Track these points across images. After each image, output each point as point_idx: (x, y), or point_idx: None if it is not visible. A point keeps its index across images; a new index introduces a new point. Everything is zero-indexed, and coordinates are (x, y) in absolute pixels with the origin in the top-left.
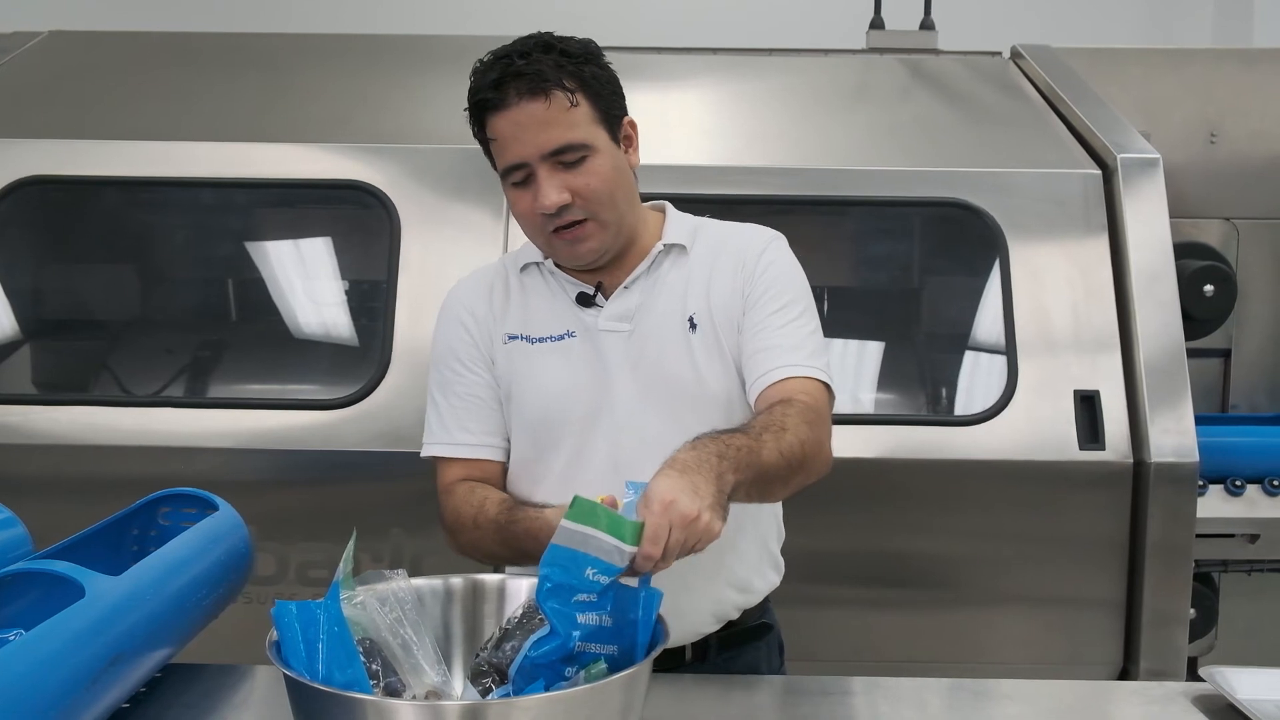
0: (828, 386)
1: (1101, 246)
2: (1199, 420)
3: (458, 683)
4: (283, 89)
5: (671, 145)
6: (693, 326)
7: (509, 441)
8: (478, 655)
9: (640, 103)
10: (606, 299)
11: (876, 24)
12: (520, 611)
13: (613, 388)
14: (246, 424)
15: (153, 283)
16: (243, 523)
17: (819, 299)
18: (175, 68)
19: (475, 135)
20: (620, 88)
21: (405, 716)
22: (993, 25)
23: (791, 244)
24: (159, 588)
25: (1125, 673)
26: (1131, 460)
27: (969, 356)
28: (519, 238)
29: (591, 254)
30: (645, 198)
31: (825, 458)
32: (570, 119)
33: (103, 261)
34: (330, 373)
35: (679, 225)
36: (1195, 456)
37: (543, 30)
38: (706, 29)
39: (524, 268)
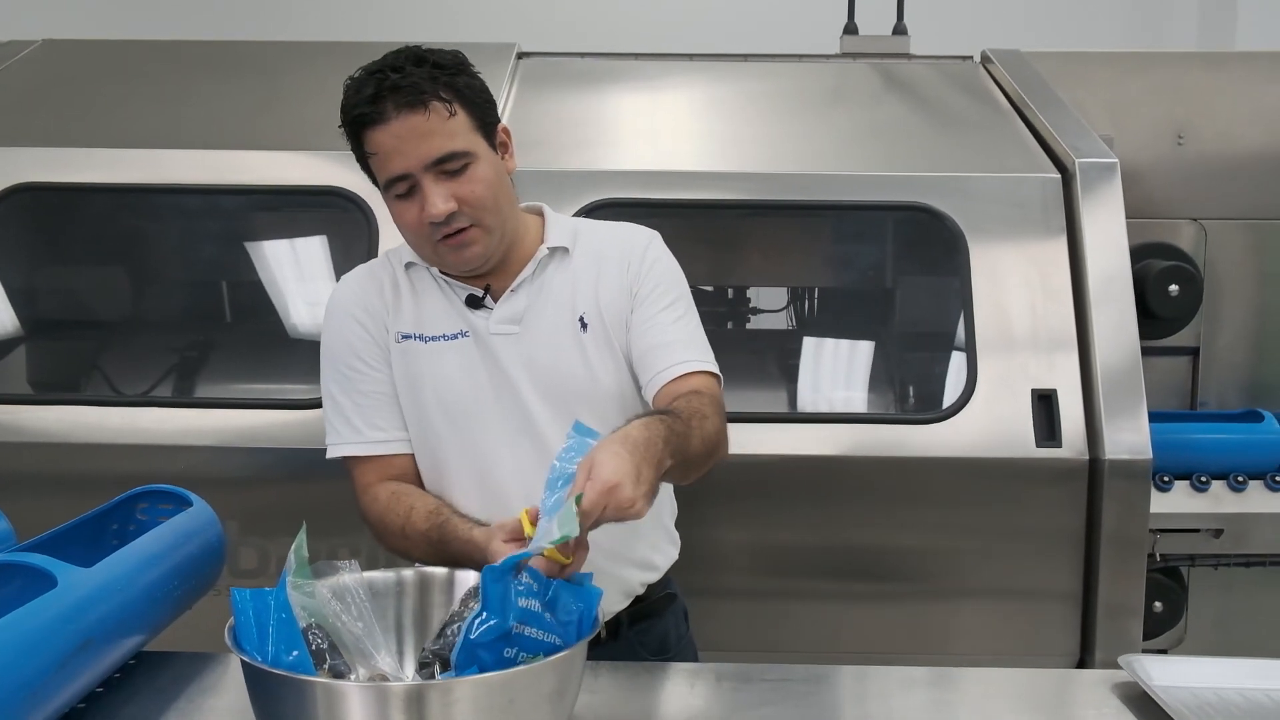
0: (718, 378)
1: (1060, 249)
2: (1167, 417)
3: (409, 670)
4: (267, 96)
5: (644, 150)
6: (584, 326)
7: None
8: (424, 647)
9: (618, 108)
10: (495, 301)
11: (850, 29)
12: (463, 601)
13: (508, 387)
14: (230, 423)
15: (141, 286)
16: (216, 518)
17: (790, 299)
18: (164, 76)
19: (354, 151)
20: (492, 96)
21: (344, 696)
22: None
23: (760, 246)
24: (130, 579)
25: (1082, 662)
26: (1087, 457)
27: (930, 356)
28: None
29: (477, 259)
30: (616, 203)
31: (726, 444)
32: (449, 129)
33: (93, 265)
34: (310, 372)
35: (560, 229)
36: (1149, 454)
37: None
38: (684, 35)
39: (408, 265)
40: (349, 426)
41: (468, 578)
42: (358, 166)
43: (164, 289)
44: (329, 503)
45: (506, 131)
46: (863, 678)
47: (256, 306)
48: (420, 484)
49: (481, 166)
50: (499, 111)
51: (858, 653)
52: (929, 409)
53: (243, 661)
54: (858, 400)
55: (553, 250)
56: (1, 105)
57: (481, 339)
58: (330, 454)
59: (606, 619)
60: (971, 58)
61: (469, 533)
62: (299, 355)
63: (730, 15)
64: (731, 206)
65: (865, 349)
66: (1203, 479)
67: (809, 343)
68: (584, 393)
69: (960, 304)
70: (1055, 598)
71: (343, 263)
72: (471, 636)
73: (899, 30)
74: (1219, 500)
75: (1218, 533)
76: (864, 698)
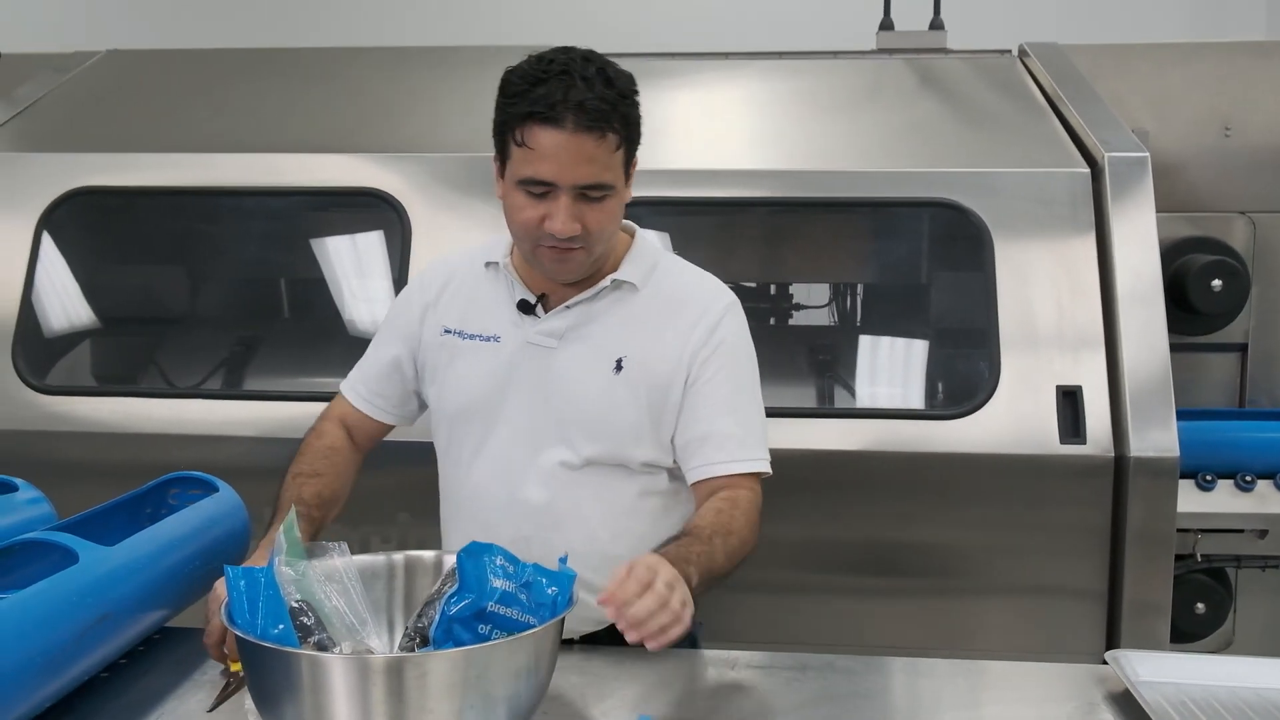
0: (761, 476)
1: (1089, 245)
2: (1212, 415)
3: (393, 647)
4: (309, 101)
5: (674, 149)
6: (619, 367)
7: (410, 411)
8: (406, 625)
9: (651, 107)
10: (546, 312)
11: (886, 25)
12: (443, 581)
13: (521, 397)
14: (268, 415)
15: (189, 283)
16: (241, 504)
17: (814, 295)
18: (214, 83)
19: (497, 122)
20: (642, 128)
21: (320, 666)
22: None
23: (784, 243)
24: (151, 558)
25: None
26: (1113, 454)
27: (954, 352)
28: None
29: (572, 274)
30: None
31: (754, 543)
32: (609, 160)
33: (145, 264)
34: (345, 366)
35: (638, 262)
36: (1176, 451)
37: (567, 45)
38: (720, 34)
39: (486, 264)
40: (359, 375)
41: (453, 561)
42: (394, 167)
43: (211, 286)
44: (363, 492)
45: (636, 164)
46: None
47: (294, 302)
48: (355, 442)
49: (615, 199)
50: None
51: (880, 648)
52: (952, 405)
53: (234, 634)
54: (881, 395)
55: (619, 283)
56: (66, 112)
57: (513, 346)
58: (340, 386)
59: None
60: (1009, 51)
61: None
62: (338, 349)
63: (766, 13)
64: (757, 204)
65: (889, 344)
66: (1247, 478)
67: (833, 338)
68: (589, 421)
69: (985, 300)
70: (1080, 595)
71: (379, 260)
72: (449, 613)
73: (935, 25)
74: (1264, 500)
75: (1262, 533)
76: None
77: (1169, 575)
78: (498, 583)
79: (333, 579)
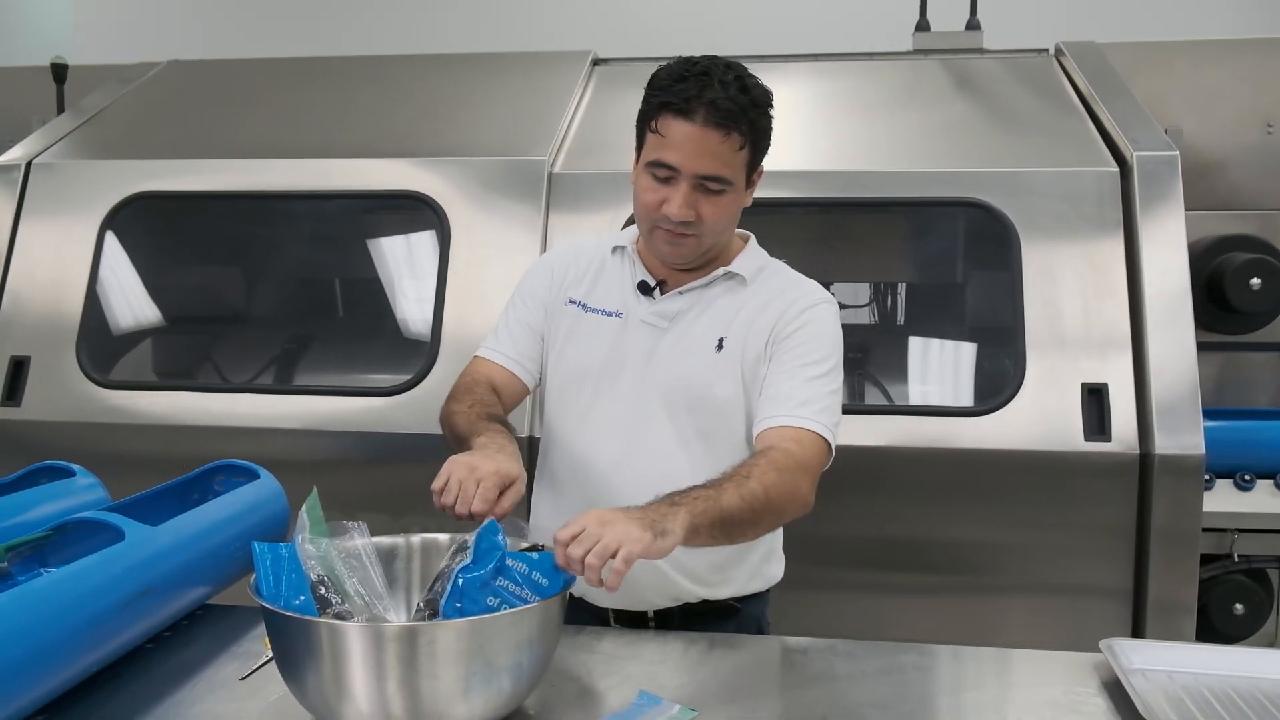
0: (826, 442)
1: (1117, 243)
2: (1252, 414)
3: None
4: (355, 107)
5: None
6: (720, 346)
7: (539, 369)
8: (419, 600)
9: None
10: (662, 295)
11: (922, 26)
12: (454, 554)
13: (629, 372)
14: (313, 409)
15: (238, 283)
16: (281, 491)
17: (844, 296)
18: (264, 91)
19: (640, 114)
20: (771, 138)
21: (339, 634)
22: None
23: (812, 243)
24: (193, 538)
25: None
26: (1138, 452)
27: (979, 350)
28: (556, 243)
29: (682, 259)
30: None
31: (801, 500)
32: (731, 157)
33: (198, 264)
34: (387, 362)
35: (750, 260)
36: (1201, 450)
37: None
38: (759, 36)
39: (615, 249)
40: (494, 337)
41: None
42: (435, 171)
43: (260, 285)
44: (407, 483)
45: (761, 173)
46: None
47: (339, 301)
48: (502, 402)
49: (732, 196)
50: (571, 115)
51: (901, 644)
52: (977, 402)
53: (260, 605)
54: (907, 392)
55: (729, 274)
56: (127, 121)
57: (631, 324)
58: (477, 352)
59: (656, 609)
60: (1046, 51)
61: (491, 438)
62: (379, 345)
63: (801, 15)
64: (785, 204)
65: (915, 341)
66: None
67: (860, 336)
68: (691, 395)
69: (1011, 298)
70: (1105, 593)
71: (419, 259)
72: (459, 584)
73: (972, 25)
74: None
75: None
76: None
77: (1194, 574)
78: (509, 562)
79: (352, 556)
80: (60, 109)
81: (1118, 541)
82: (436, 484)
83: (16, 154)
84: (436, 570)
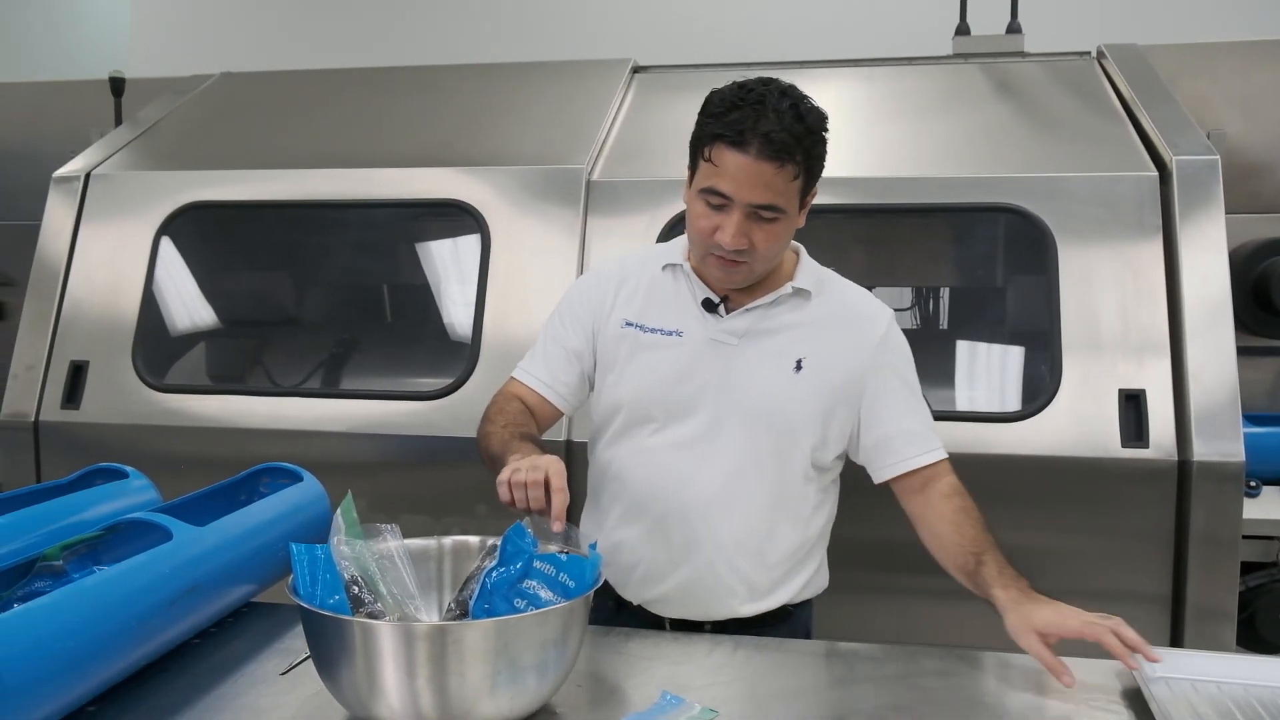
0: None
1: (1155, 248)
2: None
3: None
4: (398, 117)
5: None
6: (799, 367)
7: (581, 397)
8: (450, 600)
9: None
10: (728, 313)
11: (962, 30)
12: (484, 557)
13: (704, 391)
14: (357, 412)
15: (286, 290)
16: (324, 493)
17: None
18: (312, 102)
19: (694, 138)
20: (824, 162)
21: (371, 633)
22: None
23: (849, 248)
24: (238, 539)
25: None
26: (1176, 459)
27: (1014, 355)
28: (594, 250)
29: (734, 283)
30: None
31: None
32: (785, 188)
33: (247, 272)
34: (428, 367)
35: (809, 273)
36: (1241, 456)
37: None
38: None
39: (665, 266)
40: (530, 359)
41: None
42: (475, 179)
43: (307, 292)
44: (446, 486)
45: (814, 195)
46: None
47: (383, 308)
48: (536, 422)
49: (785, 223)
50: (611, 123)
51: (924, 648)
52: (1012, 407)
53: (297, 604)
54: (942, 397)
55: (796, 290)
56: (182, 132)
57: (696, 343)
58: (513, 373)
59: (713, 619)
60: (1089, 54)
61: (507, 446)
62: (420, 351)
63: (841, 21)
64: (823, 210)
65: (950, 347)
66: None
67: None
68: (765, 413)
69: (1048, 303)
70: (1143, 600)
71: (460, 266)
72: (487, 585)
73: (1013, 29)
74: None
75: None
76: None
77: (1234, 581)
78: (536, 564)
79: (385, 557)
80: (118, 121)
81: (1155, 548)
82: (503, 475)
83: (76, 165)
84: (467, 572)
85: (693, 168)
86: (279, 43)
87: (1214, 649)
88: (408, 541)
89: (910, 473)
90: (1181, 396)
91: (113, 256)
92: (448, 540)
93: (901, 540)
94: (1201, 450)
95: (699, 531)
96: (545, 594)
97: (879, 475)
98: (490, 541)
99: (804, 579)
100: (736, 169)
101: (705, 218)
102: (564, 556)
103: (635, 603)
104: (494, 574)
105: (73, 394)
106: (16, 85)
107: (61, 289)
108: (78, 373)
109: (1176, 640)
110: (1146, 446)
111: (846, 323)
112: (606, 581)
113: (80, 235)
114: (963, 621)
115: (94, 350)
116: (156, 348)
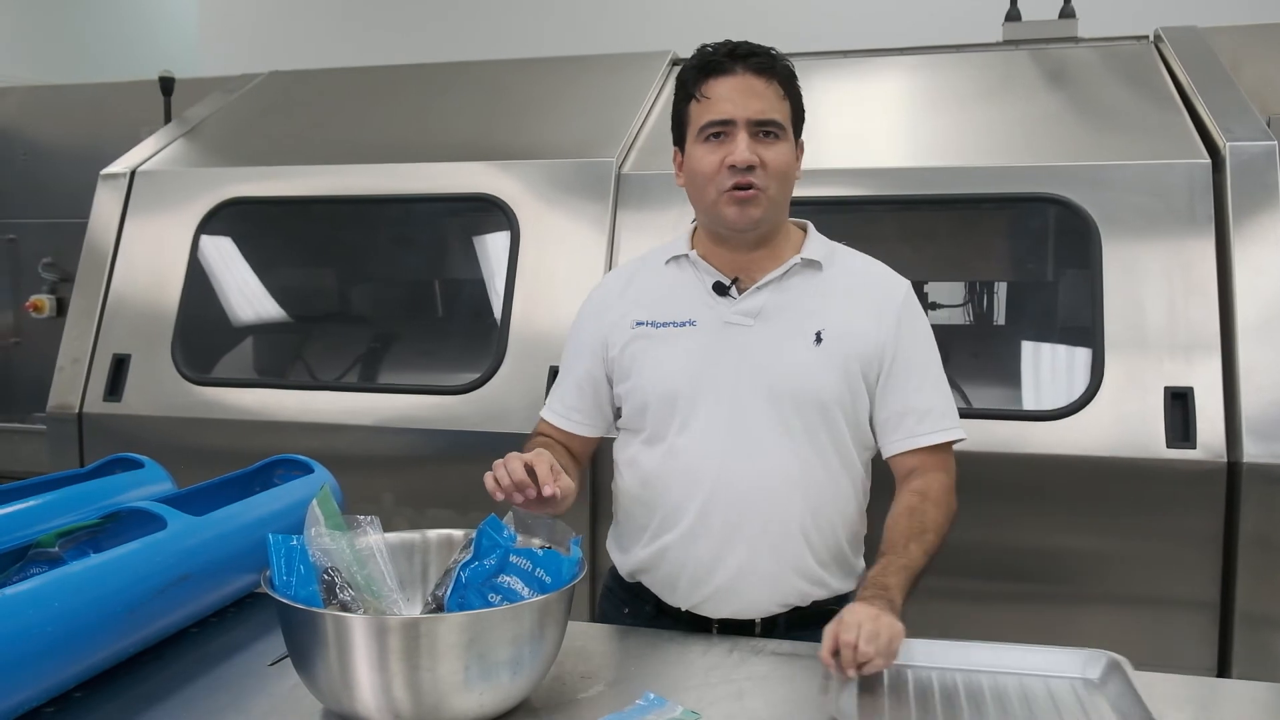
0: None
1: (1206, 240)
2: None
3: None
4: (431, 113)
5: None
6: (819, 339)
7: (606, 419)
8: (426, 594)
9: None
10: (740, 294)
11: (1013, 16)
12: (462, 550)
13: (725, 375)
14: (385, 405)
15: (319, 285)
16: (334, 485)
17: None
18: (350, 99)
19: (677, 99)
20: (804, 115)
21: (340, 626)
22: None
23: (886, 240)
24: (237, 529)
25: (1220, 676)
26: (1225, 460)
27: (1054, 351)
28: (623, 243)
29: (753, 221)
30: None
31: (952, 517)
32: (778, 105)
33: (280, 266)
34: (457, 361)
35: (818, 245)
36: None
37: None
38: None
39: (669, 260)
40: (555, 396)
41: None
42: (505, 173)
43: (339, 287)
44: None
45: (802, 147)
46: None
47: (413, 302)
48: (567, 449)
49: (787, 146)
50: (645, 116)
51: None
52: (1052, 405)
53: (270, 596)
54: (979, 394)
55: (806, 262)
56: (225, 130)
57: (711, 328)
58: (541, 411)
59: (764, 616)
60: (1146, 37)
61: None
62: (449, 345)
63: (890, 8)
64: (856, 202)
65: (989, 342)
66: None
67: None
68: (791, 391)
69: (1091, 297)
70: (1190, 607)
71: (490, 259)
72: (461, 579)
73: (1066, 13)
74: None
75: None
76: None
77: None
78: (512, 559)
79: (364, 550)
80: (167, 120)
81: (1203, 553)
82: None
83: (123, 163)
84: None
85: (682, 135)
86: (338, 40)
87: (1263, 658)
88: (392, 534)
89: (913, 450)
90: (1232, 395)
91: (155, 252)
92: (432, 534)
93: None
94: (1253, 451)
95: (739, 520)
96: (521, 589)
97: (888, 449)
98: (471, 535)
99: (848, 565)
100: (729, 90)
101: (710, 155)
102: (541, 552)
103: (685, 608)
104: (468, 568)
105: (115, 386)
106: (78, 86)
107: (106, 284)
108: (120, 366)
109: (1225, 648)
110: (1194, 447)
111: (864, 291)
112: (646, 587)
113: (125, 231)
114: (1003, 623)
115: (135, 344)
116: (194, 341)
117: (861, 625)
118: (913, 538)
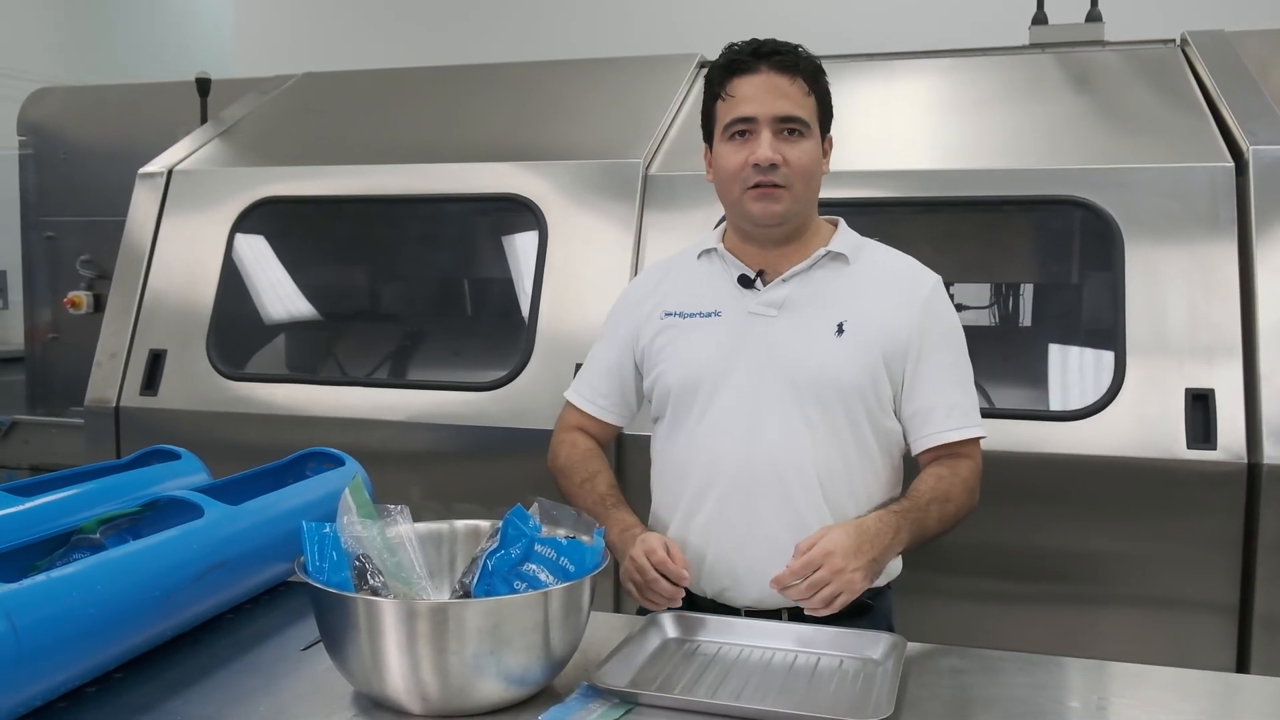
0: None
1: (1229, 243)
2: None
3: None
4: (466, 114)
5: None
6: (840, 330)
7: (629, 409)
8: (454, 582)
9: None
10: (765, 286)
11: (1039, 19)
12: (489, 538)
13: (748, 365)
14: (415, 402)
15: (350, 283)
16: (364, 476)
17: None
18: (383, 100)
19: (705, 98)
20: (832, 110)
21: (369, 609)
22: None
23: (908, 242)
24: (271, 518)
25: None
26: (1246, 461)
27: (1076, 352)
28: (650, 244)
29: (776, 216)
30: None
31: (973, 506)
32: (802, 102)
33: (313, 265)
34: (485, 358)
35: (846, 239)
36: None
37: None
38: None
39: (701, 254)
40: (583, 379)
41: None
42: (533, 173)
43: (370, 285)
44: (494, 474)
45: (830, 143)
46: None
47: (442, 300)
48: (597, 442)
49: (811, 144)
50: (672, 117)
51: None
52: (1072, 405)
53: (303, 581)
54: (998, 394)
55: (832, 254)
56: (260, 130)
57: (736, 318)
58: (565, 393)
59: (788, 606)
60: (1173, 41)
61: (629, 528)
62: (476, 342)
63: (917, 11)
64: (879, 204)
65: (1010, 343)
66: None
67: None
68: (812, 380)
69: (1112, 299)
70: (1209, 610)
71: (518, 259)
72: (488, 567)
73: (1093, 17)
74: None
75: None
76: None
77: None
78: (538, 548)
79: (394, 538)
80: (203, 120)
81: (1222, 555)
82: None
83: (160, 162)
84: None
85: (710, 131)
86: (371, 42)
87: None
88: (421, 524)
89: (941, 445)
90: (1253, 397)
91: (191, 249)
92: (460, 524)
93: (958, 542)
94: (1273, 453)
95: (759, 508)
96: (545, 577)
97: (916, 446)
98: (499, 525)
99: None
100: (753, 89)
101: (735, 154)
102: (565, 541)
103: (709, 595)
104: (494, 556)
105: (151, 381)
106: (117, 87)
107: (143, 281)
108: (156, 361)
109: (1243, 653)
110: (1214, 449)
111: (889, 284)
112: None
113: (161, 229)
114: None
115: (172, 339)
116: (229, 337)
117: (822, 565)
118: (935, 500)
